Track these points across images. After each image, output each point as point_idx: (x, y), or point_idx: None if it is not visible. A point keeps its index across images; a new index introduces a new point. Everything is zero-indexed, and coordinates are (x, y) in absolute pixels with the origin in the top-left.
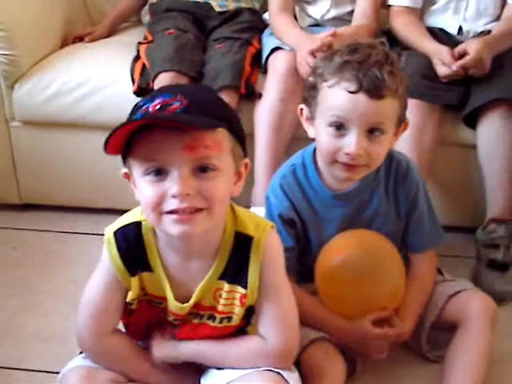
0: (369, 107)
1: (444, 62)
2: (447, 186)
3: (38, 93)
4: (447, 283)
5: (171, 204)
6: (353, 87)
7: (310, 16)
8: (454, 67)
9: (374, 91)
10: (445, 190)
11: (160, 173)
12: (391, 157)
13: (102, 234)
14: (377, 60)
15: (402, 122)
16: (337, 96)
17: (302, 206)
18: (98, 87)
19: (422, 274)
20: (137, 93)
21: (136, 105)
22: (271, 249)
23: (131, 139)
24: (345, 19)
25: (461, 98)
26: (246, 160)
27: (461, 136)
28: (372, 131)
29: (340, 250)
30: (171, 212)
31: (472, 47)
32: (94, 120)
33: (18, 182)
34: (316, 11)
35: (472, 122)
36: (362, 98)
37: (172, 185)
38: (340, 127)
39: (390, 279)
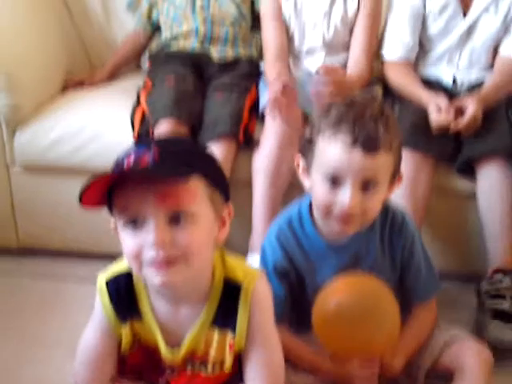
0: (364, 162)
1: (440, 108)
2: (441, 233)
3: (39, 139)
4: (443, 331)
5: (149, 254)
6: (348, 141)
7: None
8: (451, 112)
9: (369, 146)
10: (439, 236)
11: (137, 224)
12: (387, 209)
13: None
14: (372, 115)
15: (396, 176)
16: (332, 150)
17: (298, 257)
18: (98, 134)
19: (419, 321)
20: (137, 140)
21: (116, 159)
22: (260, 297)
23: (112, 192)
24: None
25: (454, 148)
26: (229, 207)
27: (454, 184)
28: (366, 185)
29: (336, 294)
30: (150, 262)
31: (469, 107)
32: (94, 166)
33: (16, 226)
34: (311, 63)
35: (466, 171)
36: (357, 152)
37: (148, 235)
38: (335, 181)
39: (385, 322)
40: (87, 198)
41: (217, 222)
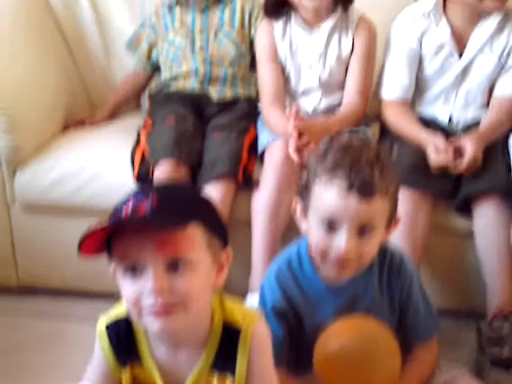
0: (359, 207)
1: (439, 149)
2: (440, 271)
3: (39, 179)
4: (443, 372)
5: (148, 302)
6: (344, 187)
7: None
8: (450, 152)
9: (365, 191)
10: (438, 274)
11: (136, 271)
12: (385, 251)
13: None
14: (368, 159)
15: (392, 219)
16: (329, 195)
17: (297, 298)
18: (98, 174)
19: (420, 362)
20: (137, 180)
21: (115, 206)
22: (259, 339)
23: (111, 239)
24: (337, 109)
25: (452, 187)
26: (228, 252)
27: (453, 223)
28: (363, 229)
29: (337, 336)
30: (149, 309)
31: (468, 148)
32: (95, 206)
33: (16, 265)
34: (308, 103)
35: (464, 209)
36: (353, 197)
37: (147, 282)
38: (331, 225)
39: (386, 363)
40: (86, 246)
41: (215, 267)
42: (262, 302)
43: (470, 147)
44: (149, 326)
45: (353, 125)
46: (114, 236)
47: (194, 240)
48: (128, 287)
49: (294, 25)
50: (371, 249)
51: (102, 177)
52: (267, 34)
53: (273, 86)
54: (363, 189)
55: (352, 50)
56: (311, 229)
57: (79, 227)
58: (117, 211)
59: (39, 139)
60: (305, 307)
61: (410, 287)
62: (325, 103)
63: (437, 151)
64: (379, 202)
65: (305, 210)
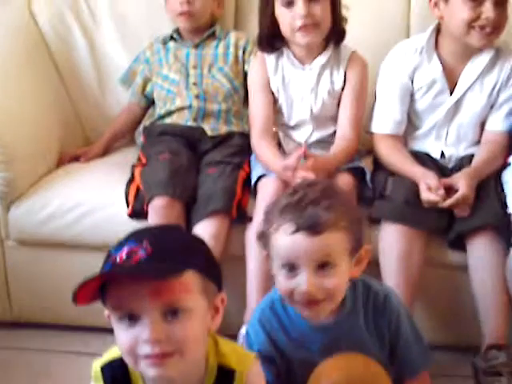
0: (310, 245)
1: (430, 187)
2: (435, 306)
3: (34, 214)
4: None
5: (144, 349)
6: (291, 229)
7: (294, 140)
8: (441, 192)
9: (312, 229)
10: (433, 309)
11: (132, 319)
12: (368, 288)
13: (91, 354)
14: (313, 198)
15: (357, 251)
16: (281, 239)
17: (282, 339)
18: (93, 209)
19: None
20: (131, 215)
21: (108, 253)
22: (254, 380)
23: (105, 286)
24: (328, 141)
25: (446, 222)
26: (222, 295)
27: (447, 257)
28: (323, 266)
29: (328, 375)
30: (145, 357)
31: (461, 186)
32: (89, 241)
33: (10, 299)
34: (299, 135)
35: (458, 244)
36: (301, 237)
37: (143, 331)
38: (291, 268)
39: None
40: (81, 296)
41: (210, 311)
42: (248, 346)
43: (462, 185)
44: (145, 371)
45: (349, 158)
46: (108, 283)
47: (190, 286)
48: (123, 335)
49: (287, 60)
50: (337, 284)
51: (97, 212)
52: (260, 65)
53: (263, 118)
54: (310, 228)
55: (344, 84)
56: (276, 275)
57: (73, 261)
58: (111, 258)
59: (34, 174)
60: (291, 347)
61: (397, 323)
62: (316, 136)
63: (428, 189)
64: (331, 237)
65: (268, 257)
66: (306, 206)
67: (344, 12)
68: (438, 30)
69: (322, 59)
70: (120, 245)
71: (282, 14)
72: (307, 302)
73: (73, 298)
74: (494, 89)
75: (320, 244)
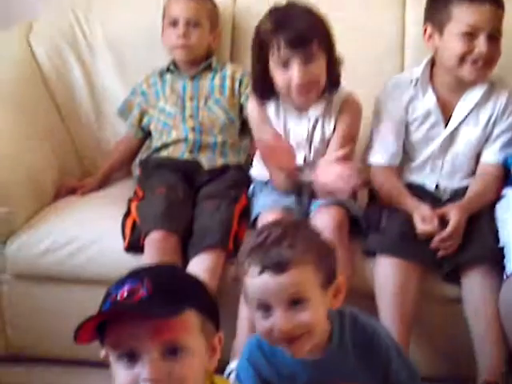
0: (277, 284)
1: (424, 218)
2: (431, 338)
3: (30, 248)
4: None
5: None
6: (257, 270)
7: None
8: (435, 222)
9: (276, 268)
10: (428, 341)
11: (131, 358)
12: (355, 321)
13: None
14: (275, 238)
15: (331, 282)
16: (251, 281)
17: (272, 377)
18: (90, 243)
19: None
20: (128, 249)
21: (108, 291)
22: None
23: (104, 324)
24: None
25: (442, 256)
26: (220, 335)
27: (442, 290)
28: (294, 302)
29: None
30: None
31: (452, 216)
32: (85, 275)
33: (5, 333)
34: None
35: (453, 277)
36: (267, 277)
37: (143, 370)
38: (266, 309)
39: None
40: (81, 334)
41: (208, 351)
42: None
43: (453, 216)
44: None
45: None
46: (108, 322)
47: (190, 326)
48: (122, 374)
49: (283, 108)
50: (313, 318)
51: (93, 246)
52: (259, 108)
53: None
54: (274, 267)
55: (334, 128)
56: (253, 316)
57: (70, 295)
58: (110, 297)
59: (31, 209)
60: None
61: (387, 357)
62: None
63: (422, 220)
64: (296, 273)
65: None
66: (269, 246)
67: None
68: (432, 63)
69: (317, 108)
70: (120, 283)
71: (277, 73)
72: (286, 340)
73: (74, 336)
74: (489, 122)
75: (286, 282)
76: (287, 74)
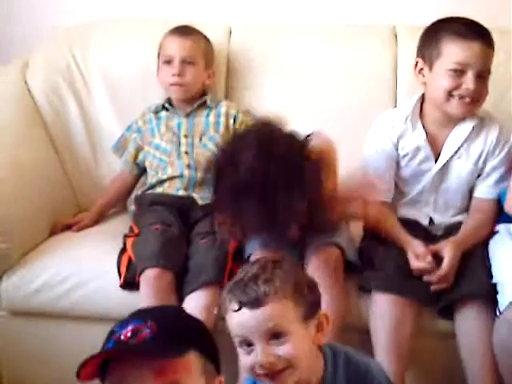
0: (254, 318)
1: (418, 255)
2: (426, 373)
3: (26, 284)
4: None
5: None
6: (235, 307)
7: None
8: (428, 259)
9: (252, 303)
10: (424, 377)
11: None
12: (349, 361)
13: None
14: (252, 274)
15: (312, 316)
16: (231, 318)
17: None
18: (85, 280)
19: None
20: (123, 286)
21: (112, 329)
22: None
23: (106, 363)
24: None
25: (436, 292)
26: (221, 378)
27: (437, 326)
28: (275, 336)
29: None
30: None
31: (446, 253)
32: (81, 312)
33: (1, 371)
34: None
35: (447, 313)
36: (245, 313)
37: None
38: (248, 344)
39: None
40: (83, 372)
41: None
42: None
43: (447, 253)
44: None
45: None
46: (111, 361)
47: (192, 367)
48: None
49: None
50: (294, 352)
51: (89, 283)
52: None
53: None
54: (250, 303)
55: None
56: (238, 352)
57: (65, 332)
58: (114, 336)
59: (26, 245)
60: None
61: None
62: None
63: (416, 257)
64: (274, 307)
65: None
66: (246, 282)
67: None
68: (422, 99)
69: None
70: (124, 322)
71: None
72: (269, 376)
73: (77, 374)
74: (480, 157)
75: (264, 316)
76: None
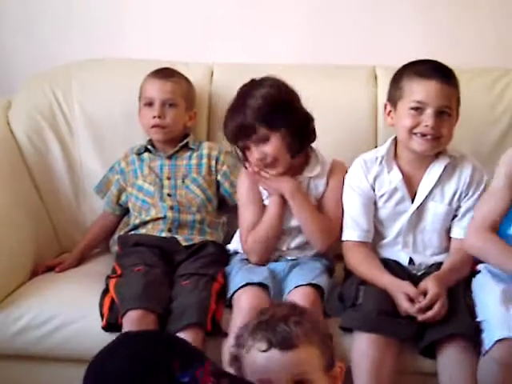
0: (284, 360)
1: (410, 297)
2: None
3: (7, 326)
4: None
5: None
6: (264, 346)
7: (276, 249)
8: (421, 299)
9: (285, 344)
10: None
11: None
12: None
13: None
14: (283, 315)
15: (331, 368)
16: (254, 359)
17: None
18: (67, 322)
19: None
20: (106, 328)
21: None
22: None
23: None
24: (306, 246)
25: (418, 331)
26: None
27: (419, 365)
28: (300, 383)
29: None
30: None
31: (430, 286)
32: (63, 354)
33: None
34: (282, 241)
35: (429, 352)
36: (275, 353)
37: None
38: None
39: None
40: None
41: None
42: None
43: (431, 285)
44: None
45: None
46: None
47: None
48: None
49: None
50: None
51: (71, 324)
52: (249, 178)
53: (253, 226)
54: (282, 343)
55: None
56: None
57: (47, 374)
58: None
59: (7, 287)
60: None
61: None
62: (296, 242)
63: (409, 300)
64: (304, 351)
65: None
66: (276, 322)
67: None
68: (397, 141)
69: (306, 175)
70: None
71: (249, 153)
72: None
73: None
74: (454, 196)
75: (294, 359)
76: (256, 155)
